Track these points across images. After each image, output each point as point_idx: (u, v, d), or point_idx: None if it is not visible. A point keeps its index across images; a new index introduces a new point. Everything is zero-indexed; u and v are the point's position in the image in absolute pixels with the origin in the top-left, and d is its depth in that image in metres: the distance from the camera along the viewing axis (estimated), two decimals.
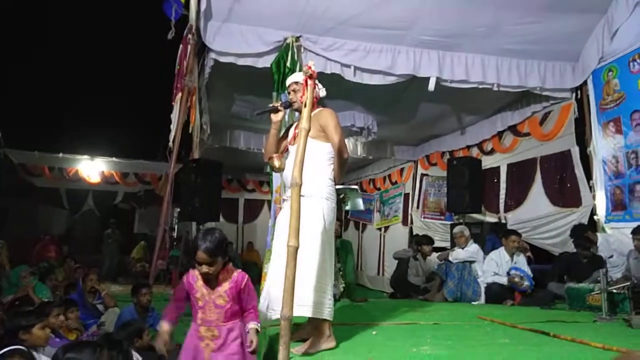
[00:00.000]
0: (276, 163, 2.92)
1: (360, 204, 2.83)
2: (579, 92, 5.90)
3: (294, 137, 2.93)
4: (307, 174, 2.56)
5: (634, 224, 4.64)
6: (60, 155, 11.10)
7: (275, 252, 2.83)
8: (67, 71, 12.68)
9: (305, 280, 2.57)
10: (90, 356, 1.83)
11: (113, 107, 13.08)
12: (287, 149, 3.03)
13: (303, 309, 2.57)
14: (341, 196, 2.84)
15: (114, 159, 11.57)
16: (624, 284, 4.00)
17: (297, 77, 3.05)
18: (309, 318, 2.70)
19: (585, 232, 5.17)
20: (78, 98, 12.98)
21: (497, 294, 5.13)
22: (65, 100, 12.95)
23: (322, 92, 3.01)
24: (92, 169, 11.44)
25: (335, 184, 2.85)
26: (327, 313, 2.65)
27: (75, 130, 12.17)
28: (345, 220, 12.94)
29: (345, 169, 2.85)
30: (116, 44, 12.41)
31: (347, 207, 2.97)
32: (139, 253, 11.10)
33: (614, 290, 3.97)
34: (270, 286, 2.73)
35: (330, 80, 5.26)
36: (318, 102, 2.98)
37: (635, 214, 5.01)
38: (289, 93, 3.06)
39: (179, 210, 9.87)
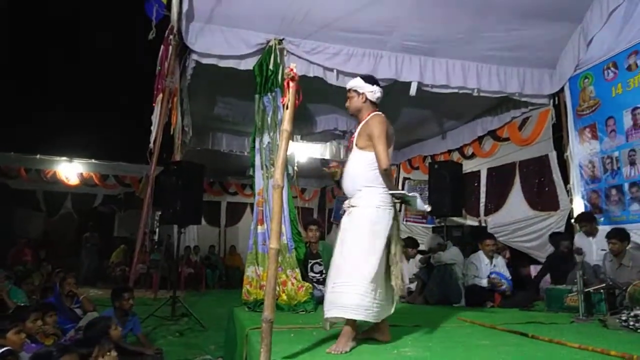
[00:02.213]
0: (332, 169, 3.05)
1: (420, 205, 2.81)
2: (556, 98, 6.04)
3: (349, 146, 2.98)
4: (356, 185, 2.80)
5: (610, 227, 4.76)
6: (38, 156, 10.88)
7: (333, 256, 2.85)
8: (45, 70, 12.44)
9: (343, 283, 2.65)
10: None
11: (92, 108, 12.86)
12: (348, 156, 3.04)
13: (341, 310, 2.64)
14: (399, 201, 2.82)
15: (93, 160, 11.39)
16: (599, 286, 4.09)
17: (350, 83, 3.05)
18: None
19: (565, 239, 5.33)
20: (57, 98, 12.73)
21: (478, 296, 5.18)
22: (43, 100, 12.70)
23: (370, 95, 2.95)
24: (70, 170, 11.23)
25: (398, 192, 2.79)
26: (366, 315, 2.64)
27: (53, 131, 11.92)
28: (328, 224, 12.97)
29: (391, 178, 2.80)
30: (96, 44, 12.23)
31: (413, 209, 2.97)
32: (119, 257, 10.93)
33: (591, 291, 4.06)
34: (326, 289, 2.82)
35: (313, 84, 5.29)
36: (372, 105, 2.97)
37: (612, 217, 5.14)
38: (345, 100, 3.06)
39: (160, 213, 9.76)
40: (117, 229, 13.05)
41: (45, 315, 3.58)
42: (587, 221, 5.18)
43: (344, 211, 2.90)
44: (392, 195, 2.77)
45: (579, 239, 5.29)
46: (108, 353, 2.56)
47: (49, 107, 12.65)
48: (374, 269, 2.65)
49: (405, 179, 9.27)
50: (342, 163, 3.06)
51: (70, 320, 4.21)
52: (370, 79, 3.03)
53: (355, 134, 2.93)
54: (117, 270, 10.46)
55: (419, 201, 2.77)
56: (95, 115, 12.69)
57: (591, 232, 5.14)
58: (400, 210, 2.96)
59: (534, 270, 6.03)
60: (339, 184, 3.05)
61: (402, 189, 9.03)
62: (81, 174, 11.34)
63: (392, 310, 2.83)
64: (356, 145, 2.88)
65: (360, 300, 2.61)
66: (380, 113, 2.92)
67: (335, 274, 2.73)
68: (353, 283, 2.64)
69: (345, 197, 2.96)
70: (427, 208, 2.90)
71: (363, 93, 2.96)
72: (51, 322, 3.67)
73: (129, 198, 11.90)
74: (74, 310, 4.40)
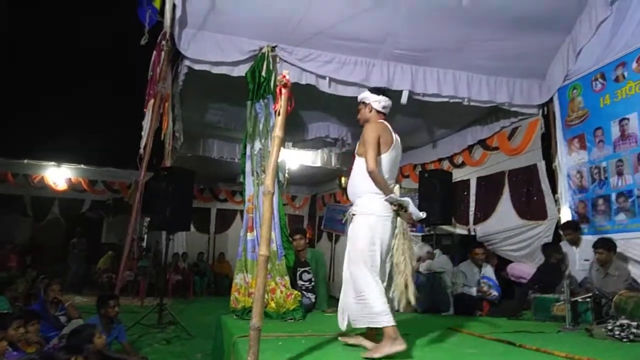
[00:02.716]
0: (343, 180, 3.11)
1: (414, 211, 2.82)
2: (545, 108, 6.10)
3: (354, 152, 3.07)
4: (356, 192, 2.91)
5: (597, 237, 4.81)
6: (25, 161, 10.76)
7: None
8: (34, 74, 12.32)
9: (361, 293, 2.74)
10: None
11: (82, 113, 12.75)
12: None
13: (357, 322, 2.77)
14: (394, 208, 2.83)
15: (82, 166, 11.29)
16: (586, 295, 4.12)
17: (359, 96, 3.17)
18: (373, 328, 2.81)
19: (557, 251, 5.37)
20: (45, 102, 12.60)
21: (467, 305, 5.20)
22: (32, 104, 12.57)
23: (376, 105, 3.06)
24: (58, 175, 11.12)
25: (388, 197, 2.80)
26: (384, 320, 2.67)
27: (42, 136, 11.80)
28: (318, 231, 12.94)
29: (379, 181, 2.81)
30: (88, 48, 12.14)
31: (411, 216, 2.96)
32: (106, 263, 10.80)
33: (579, 300, 4.08)
34: (343, 296, 2.94)
35: (306, 91, 5.30)
36: (379, 115, 3.08)
37: (598, 227, 5.19)
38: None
39: (149, 219, 9.68)
40: (105, 235, 12.92)
41: (27, 323, 3.51)
42: (573, 229, 5.23)
43: (346, 219, 2.97)
44: (388, 201, 2.81)
45: (563, 246, 5.34)
46: None
47: (38, 110, 12.52)
48: (376, 276, 2.74)
49: None
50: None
51: (54, 328, 4.13)
52: (376, 90, 3.17)
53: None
54: (104, 277, 10.33)
55: (411, 207, 2.81)
56: (84, 120, 12.59)
57: (575, 242, 5.19)
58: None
59: (511, 269, 6.03)
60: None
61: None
62: (69, 179, 11.23)
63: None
64: (357, 153, 3.01)
65: (383, 306, 2.68)
66: (380, 121, 3.02)
67: (355, 286, 2.80)
68: (371, 292, 2.70)
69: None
70: (422, 215, 2.92)
71: (369, 104, 3.09)
72: (33, 331, 3.59)
73: (118, 204, 11.79)
74: (58, 318, 4.32)
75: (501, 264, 6.25)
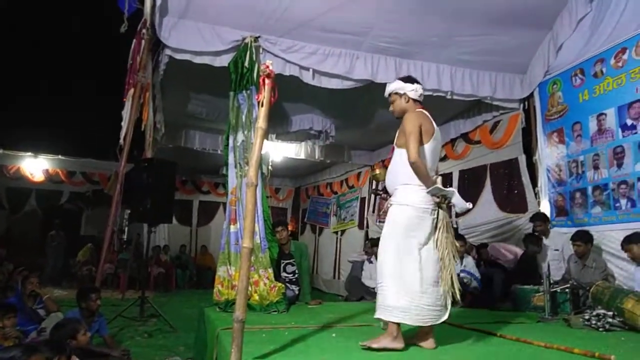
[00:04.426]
0: (376, 171, 3.01)
1: (459, 202, 2.75)
2: (526, 103, 6.20)
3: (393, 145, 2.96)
4: (395, 182, 2.81)
5: (575, 229, 4.91)
6: (0, 151, 10.45)
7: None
8: (9, 61, 11.96)
9: (381, 284, 2.70)
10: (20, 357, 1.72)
11: (60, 101, 12.45)
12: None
13: (381, 311, 2.68)
14: (438, 200, 2.74)
15: (59, 156, 11.02)
16: (564, 286, 4.21)
17: (387, 90, 3.03)
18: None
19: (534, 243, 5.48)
20: (21, 91, 12.26)
21: None
22: (6, 93, 12.21)
23: (413, 94, 2.93)
24: (35, 166, 10.85)
25: (432, 188, 2.71)
26: (395, 315, 2.62)
27: (18, 126, 11.48)
28: (302, 224, 12.95)
29: (421, 173, 2.70)
30: (64, 32, 11.82)
31: (456, 209, 2.89)
32: (85, 255, 10.63)
33: (558, 290, 4.18)
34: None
35: (289, 83, 5.26)
36: (416, 104, 2.95)
37: (576, 219, 5.30)
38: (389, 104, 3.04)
39: (129, 211, 9.53)
40: (84, 227, 12.70)
41: (4, 317, 3.43)
42: (542, 221, 5.36)
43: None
44: (430, 193, 2.71)
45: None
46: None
47: (13, 99, 12.17)
48: (407, 270, 2.63)
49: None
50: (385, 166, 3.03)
51: (32, 321, 4.05)
52: (409, 79, 3.03)
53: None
54: (83, 270, 10.17)
55: (456, 196, 2.73)
56: (62, 109, 12.28)
57: (544, 233, 5.33)
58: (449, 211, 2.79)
59: (492, 249, 6.14)
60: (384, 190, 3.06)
61: (376, 188, 9.10)
62: (47, 170, 10.97)
63: (446, 317, 2.75)
64: (395, 144, 2.91)
65: (396, 302, 2.60)
66: (420, 110, 2.90)
67: (379, 274, 2.75)
68: (388, 284, 2.65)
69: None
70: (468, 205, 2.81)
71: (405, 94, 2.95)
72: (10, 325, 3.51)
73: (97, 195, 11.57)
74: (37, 311, 4.24)
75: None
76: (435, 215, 2.75)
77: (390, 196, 2.91)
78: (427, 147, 2.80)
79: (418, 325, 2.68)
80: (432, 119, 2.88)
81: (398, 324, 2.65)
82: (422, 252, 2.68)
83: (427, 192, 2.70)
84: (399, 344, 2.64)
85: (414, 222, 2.70)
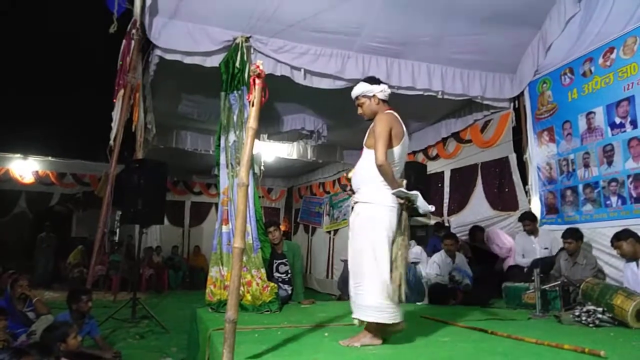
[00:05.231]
0: (350, 174, 3.03)
1: (422, 204, 2.76)
2: (516, 102, 6.25)
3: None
4: (362, 181, 2.82)
5: (566, 227, 4.95)
6: None
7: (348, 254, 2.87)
8: None
9: (358, 284, 2.70)
10: None
11: (49, 103, 12.31)
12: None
13: (358, 312, 2.70)
14: (402, 201, 2.75)
15: (49, 158, 10.91)
16: (555, 283, 4.25)
17: (354, 92, 2.99)
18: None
19: None
20: (10, 91, 12.11)
21: (440, 295, 5.28)
22: None
23: (381, 95, 2.92)
24: (25, 168, 10.73)
25: (396, 190, 2.73)
26: (376, 316, 2.63)
27: (6, 127, 11.34)
28: (295, 224, 12.94)
29: (388, 175, 2.73)
30: (55, 37, 11.70)
31: (419, 210, 2.88)
32: (76, 258, 10.54)
33: (547, 288, 4.21)
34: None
35: (281, 83, 5.25)
36: (385, 104, 2.94)
37: (566, 217, 5.35)
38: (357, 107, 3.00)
39: (120, 213, 9.47)
40: (75, 229, 12.60)
41: None
42: (530, 220, 5.41)
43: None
44: (395, 195, 2.73)
45: (521, 238, 5.51)
46: None
47: (1, 99, 12.02)
48: (383, 268, 2.65)
49: None
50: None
51: (21, 324, 4.00)
52: (375, 80, 3.01)
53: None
54: (74, 272, 10.08)
55: (420, 199, 2.74)
56: (52, 110, 12.15)
57: (533, 232, 5.39)
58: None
59: (492, 233, 6.18)
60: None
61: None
62: (36, 172, 10.85)
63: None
64: (365, 144, 2.90)
65: (372, 302, 2.62)
66: (390, 111, 2.89)
67: (353, 274, 2.76)
68: (364, 284, 2.66)
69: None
70: (431, 208, 2.84)
71: (374, 95, 2.93)
72: (1, 327, 3.48)
73: (88, 197, 11.47)
74: (26, 314, 4.18)
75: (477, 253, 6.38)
76: (399, 215, 2.78)
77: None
78: (396, 150, 2.81)
79: (392, 322, 2.67)
80: (402, 122, 2.90)
81: (379, 324, 2.67)
82: (389, 250, 2.70)
83: (392, 194, 2.73)
84: (379, 341, 2.70)
85: (385, 220, 2.71)
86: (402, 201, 2.76)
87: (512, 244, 5.79)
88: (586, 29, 5.14)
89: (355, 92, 3.00)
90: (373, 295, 2.62)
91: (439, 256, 5.54)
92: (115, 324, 5.35)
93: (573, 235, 4.66)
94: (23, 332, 3.85)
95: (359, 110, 3.01)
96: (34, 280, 8.07)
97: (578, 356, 2.43)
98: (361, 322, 2.74)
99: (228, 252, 4.36)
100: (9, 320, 3.72)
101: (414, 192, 2.75)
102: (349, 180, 3.09)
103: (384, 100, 2.95)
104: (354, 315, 2.74)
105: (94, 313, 4.22)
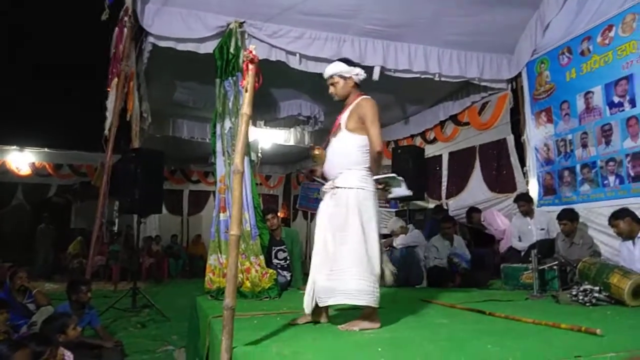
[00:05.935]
0: (316, 152, 2.96)
1: (403, 190, 2.76)
2: (514, 83, 6.20)
3: (334, 129, 2.89)
4: (343, 166, 2.73)
5: (561, 208, 4.96)
6: None
7: (316, 242, 2.85)
8: None
9: (340, 269, 2.63)
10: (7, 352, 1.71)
11: (44, 93, 12.21)
12: (329, 140, 2.92)
13: (340, 297, 2.63)
14: (381, 186, 2.75)
15: (45, 149, 10.87)
16: (552, 263, 4.27)
17: (330, 70, 2.92)
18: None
19: None
20: (4, 83, 11.99)
21: (439, 277, 5.32)
22: None
23: (356, 78, 2.89)
24: (21, 160, 10.69)
25: (374, 176, 2.74)
26: (368, 300, 2.60)
27: (2, 118, 11.26)
28: (293, 210, 12.94)
29: (381, 161, 2.75)
30: (47, 26, 11.56)
31: (391, 195, 2.89)
32: (76, 248, 10.56)
33: (545, 268, 4.23)
34: (314, 275, 2.77)
35: (276, 69, 5.20)
36: (357, 88, 2.91)
37: (564, 198, 5.35)
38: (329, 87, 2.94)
39: (119, 203, 9.45)
40: (74, 220, 12.57)
41: None
42: (525, 201, 5.42)
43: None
44: (377, 180, 2.73)
45: (517, 220, 5.52)
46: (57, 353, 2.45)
47: None
48: (373, 253, 2.64)
49: None
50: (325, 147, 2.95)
51: (22, 316, 4.01)
52: (351, 62, 2.96)
53: (343, 117, 2.84)
54: (74, 263, 10.10)
55: (403, 185, 2.73)
56: (47, 101, 12.06)
57: (528, 213, 5.40)
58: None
59: (488, 214, 6.21)
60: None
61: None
62: (33, 163, 10.82)
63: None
64: (346, 127, 2.80)
65: (363, 286, 2.59)
66: (369, 96, 2.86)
67: (332, 260, 2.68)
68: (353, 268, 2.61)
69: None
70: (409, 192, 2.83)
71: (350, 77, 2.89)
72: (2, 320, 3.48)
73: (86, 188, 11.44)
74: (26, 306, 4.20)
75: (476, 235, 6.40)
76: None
77: (324, 179, 2.89)
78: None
79: (376, 306, 2.67)
80: None
81: (375, 308, 2.67)
82: (377, 233, 2.70)
83: (374, 179, 2.73)
84: (377, 324, 2.69)
85: (368, 205, 2.69)
86: (380, 186, 2.78)
87: (507, 225, 5.81)
88: (584, 7, 5.08)
89: (330, 70, 2.93)
90: (364, 280, 2.60)
91: (437, 239, 5.55)
92: (116, 313, 5.38)
93: (568, 216, 4.67)
94: (24, 324, 3.86)
95: (331, 89, 2.96)
96: (34, 272, 8.12)
97: (575, 335, 2.44)
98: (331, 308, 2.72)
99: (226, 239, 4.35)
100: (10, 312, 3.73)
101: (393, 174, 2.79)
102: (314, 157, 3.01)
103: (357, 85, 2.93)
104: (331, 302, 2.67)
105: (95, 303, 4.23)
